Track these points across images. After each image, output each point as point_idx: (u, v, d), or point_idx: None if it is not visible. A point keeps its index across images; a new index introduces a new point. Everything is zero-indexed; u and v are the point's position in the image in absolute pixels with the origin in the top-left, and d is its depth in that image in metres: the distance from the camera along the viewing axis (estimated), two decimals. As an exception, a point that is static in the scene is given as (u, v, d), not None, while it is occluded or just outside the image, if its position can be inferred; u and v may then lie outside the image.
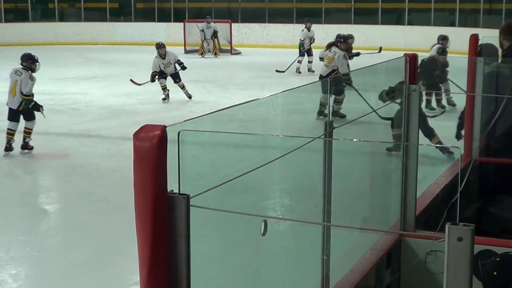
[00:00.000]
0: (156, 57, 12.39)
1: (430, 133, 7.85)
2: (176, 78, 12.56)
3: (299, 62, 16.39)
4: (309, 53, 16.49)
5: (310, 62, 16.42)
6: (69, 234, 5.96)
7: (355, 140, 3.94)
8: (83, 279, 4.98)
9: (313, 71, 15.81)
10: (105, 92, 13.79)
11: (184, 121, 2.16)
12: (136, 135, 2.01)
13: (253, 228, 3.08)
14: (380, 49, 14.55)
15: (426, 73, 9.71)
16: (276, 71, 16.29)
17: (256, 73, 16.94)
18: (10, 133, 8.56)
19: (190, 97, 12.63)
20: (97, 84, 14.91)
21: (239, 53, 22.18)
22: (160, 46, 12.39)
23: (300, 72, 16.15)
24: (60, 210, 6.84)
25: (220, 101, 12.47)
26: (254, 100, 3.03)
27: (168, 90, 12.48)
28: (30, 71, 8.48)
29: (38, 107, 8.52)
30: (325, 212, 3.27)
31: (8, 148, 8.52)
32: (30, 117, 8.54)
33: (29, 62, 8.55)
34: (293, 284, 3.59)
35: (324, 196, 3.30)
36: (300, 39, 16.74)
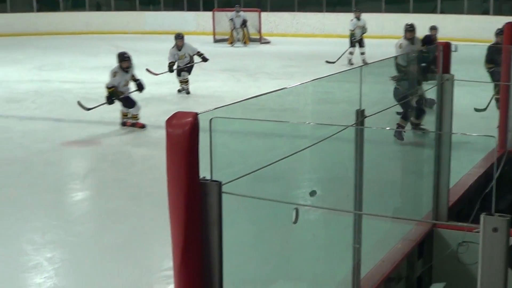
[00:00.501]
0: (172, 47, 12.21)
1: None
2: (188, 70, 12.28)
3: (351, 53, 15.68)
4: (361, 44, 15.74)
5: (362, 53, 15.61)
6: (102, 219, 6.04)
7: (388, 128, 3.91)
8: (115, 263, 5.04)
9: (367, 63, 14.98)
10: (135, 80, 13.86)
11: (214, 109, 2.17)
12: (169, 122, 2.02)
13: (283, 216, 3.07)
14: None
15: (494, 60, 9.32)
16: (326, 62, 15.86)
17: (285, 62, 16.88)
18: (123, 114, 9.52)
19: (188, 93, 12.32)
20: (128, 73, 15.01)
21: (268, 42, 22.12)
22: (178, 37, 12.22)
23: (352, 64, 15.37)
24: (92, 196, 6.92)
25: (249, 90, 12.45)
26: (283, 89, 3.02)
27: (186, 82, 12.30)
28: (120, 68, 9.31)
29: (107, 100, 9.35)
30: (356, 202, 3.25)
31: (123, 124, 9.47)
32: (129, 105, 9.38)
33: (118, 60, 9.37)
34: (323, 273, 3.58)
35: (355, 185, 3.28)
36: (350, 29, 15.95)
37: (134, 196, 6.57)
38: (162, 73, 12.46)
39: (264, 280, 3.22)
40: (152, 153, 8.05)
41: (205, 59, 12.40)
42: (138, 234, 5.62)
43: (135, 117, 9.47)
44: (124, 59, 9.28)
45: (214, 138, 2.13)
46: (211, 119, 2.07)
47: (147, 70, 12.85)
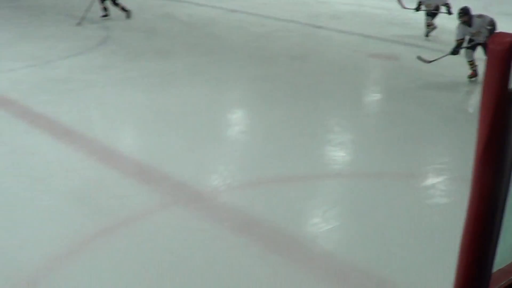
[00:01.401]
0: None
1: None
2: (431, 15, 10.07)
3: None
4: None
5: None
6: (387, 117, 6.20)
7: None
8: (401, 152, 5.16)
9: None
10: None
11: None
12: (491, 40, 1.97)
13: None
14: None
15: None
16: None
17: None
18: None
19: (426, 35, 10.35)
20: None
21: None
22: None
23: None
24: (385, 99, 7.05)
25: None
26: None
27: (434, 28, 10.38)
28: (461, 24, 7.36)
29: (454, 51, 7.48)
30: None
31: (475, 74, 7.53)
32: (454, 53, 7.48)
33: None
34: None
35: None
36: None
37: (420, 103, 6.57)
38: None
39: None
40: (441, 72, 7.87)
41: (449, 12, 9.74)
42: (417, 133, 5.64)
43: (471, 63, 7.58)
44: (460, 13, 7.36)
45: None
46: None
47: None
